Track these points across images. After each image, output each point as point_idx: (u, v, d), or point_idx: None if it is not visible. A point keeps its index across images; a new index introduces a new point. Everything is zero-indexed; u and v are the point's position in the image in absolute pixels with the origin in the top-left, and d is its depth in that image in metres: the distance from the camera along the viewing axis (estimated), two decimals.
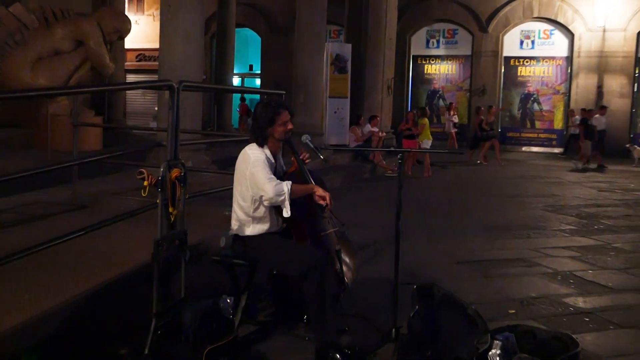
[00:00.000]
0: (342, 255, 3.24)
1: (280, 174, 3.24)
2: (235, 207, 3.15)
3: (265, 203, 3.00)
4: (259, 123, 3.10)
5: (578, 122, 15.66)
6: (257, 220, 3.09)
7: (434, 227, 6.72)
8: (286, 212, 2.95)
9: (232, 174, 3.17)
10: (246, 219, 3.09)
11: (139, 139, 10.66)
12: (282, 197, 2.94)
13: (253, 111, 3.18)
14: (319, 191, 3.04)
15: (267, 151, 3.13)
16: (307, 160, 3.34)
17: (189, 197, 3.54)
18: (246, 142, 3.21)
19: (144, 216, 3.74)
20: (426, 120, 12.48)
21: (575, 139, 16.32)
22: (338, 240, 3.28)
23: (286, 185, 2.95)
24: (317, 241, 3.15)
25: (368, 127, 12.56)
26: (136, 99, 19.25)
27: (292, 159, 3.33)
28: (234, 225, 3.17)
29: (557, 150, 17.49)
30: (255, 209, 3.08)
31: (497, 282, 4.60)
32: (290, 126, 3.15)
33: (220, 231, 3.91)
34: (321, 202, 3.02)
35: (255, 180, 2.98)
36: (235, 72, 19.39)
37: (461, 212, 7.79)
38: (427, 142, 12.07)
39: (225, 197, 3.87)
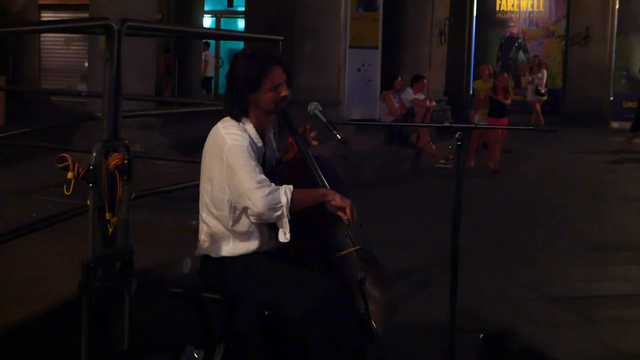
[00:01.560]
0: (369, 287, 3.23)
1: (271, 163, 3.26)
2: (204, 214, 3.17)
3: (252, 219, 3.01)
4: (236, 85, 3.11)
5: None
6: (238, 235, 3.11)
7: (509, 245, 6.73)
8: (283, 236, 2.98)
9: (200, 163, 3.19)
10: (222, 231, 3.12)
11: (60, 109, 10.72)
12: (279, 212, 2.93)
13: (230, 67, 3.18)
14: (336, 199, 3.03)
15: (250, 127, 3.13)
16: (314, 142, 3.34)
17: (136, 197, 3.51)
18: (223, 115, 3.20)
19: (68, 226, 3.69)
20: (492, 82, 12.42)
21: None
22: (362, 264, 3.26)
23: (285, 194, 2.94)
24: (329, 266, 3.16)
25: (409, 93, 12.55)
26: (56, 50, 19.23)
27: (290, 140, 3.32)
28: (204, 241, 3.19)
29: None
30: (236, 222, 3.09)
31: (609, 331, 4.59)
32: (284, 92, 3.15)
33: (183, 249, 3.93)
34: (340, 214, 3.04)
35: (236, 182, 2.97)
36: (206, 8, 19.39)
37: (551, 223, 7.81)
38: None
39: (190, 198, 3.88)
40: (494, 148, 11.39)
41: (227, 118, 3.13)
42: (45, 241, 3.96)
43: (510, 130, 12.63)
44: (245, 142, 3.02)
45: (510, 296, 5.21)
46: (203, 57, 20.04)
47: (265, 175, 3.01)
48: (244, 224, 3.07)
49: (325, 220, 3.17)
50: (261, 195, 2.90)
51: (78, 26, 4.26)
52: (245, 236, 3.10)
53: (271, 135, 3.31)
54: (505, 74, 11.79)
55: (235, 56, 3.19)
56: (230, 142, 3.01)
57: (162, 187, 5.03)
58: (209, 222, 3.13)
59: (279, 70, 3.12)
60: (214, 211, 3.09)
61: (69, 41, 18.58)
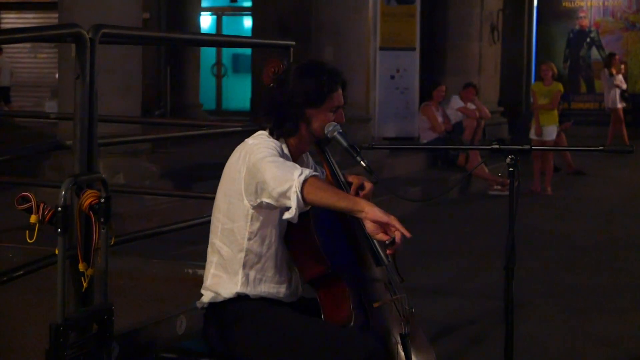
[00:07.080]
0: (411, 347, 3.24)
1: None
2: (216, 240, 3.24)
3: (268, 200, 3.03)
4: (293, 98, 3.21)
5: None
6: (252, 262, 3.17)
7: (578, 290, 6.64)
8: (289, 213, 2.96)
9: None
10: (237, 255, 3.18)
11: (26, 133, 10.81)
12: (289, 186, 2.93)
13: (281, 79, 3.32)
14: (375, 212, 2.94)
15: (285, 148, 3.24)
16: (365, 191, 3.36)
17: (117, 242, 3.53)
18: (239, 140, 3.29)
19: (33, 280, 3.67)
20: (560, 86, 12.12)
21: None
22: (407, 316, 3.29)
23: (303, 173, 2.95)
24: (368, 320, 3.17)
25: (456, 103, 12.57)
26: (21, 59, 19.38)
27: (325, 168, 3.42)
28: (211, 278, 3.25)
29: None
30: (252, 235, 3.15)
31: None
32: (342, 119, 3.29)
33: (176, 304, 3.91)
34: (380, 236, 2.99)
35: (255, 170, 3.06)
36: (204, 5, 19.55)
37: (630, 263, 7.73)
38: (550, 130, 11.96)
39: (186, 241, 4.00)
40: None
41: (259, 132, 3.27)
42: (5, 297, 3.90)
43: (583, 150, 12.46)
44: (272, 144, 3.16)
45: (583, 354, 5.14)
46: None
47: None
48: (261, 237, 3.16)
49: (367, 258, 3.23)
50: (275, 168, 2.98)
51: (40, 35, 4.19)
52: (260, 269, 3.17)
53: (308, 159, 3.45)
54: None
55: (291, 66, 3.36)
56: (253, 143, 3.16)
57: (151, 229, 4.97)
58: (222, 247, 3.21)
59: (341, 93, 3.28)
60: (229, 225, 3.19)
61: (37, 48, 18.72)
